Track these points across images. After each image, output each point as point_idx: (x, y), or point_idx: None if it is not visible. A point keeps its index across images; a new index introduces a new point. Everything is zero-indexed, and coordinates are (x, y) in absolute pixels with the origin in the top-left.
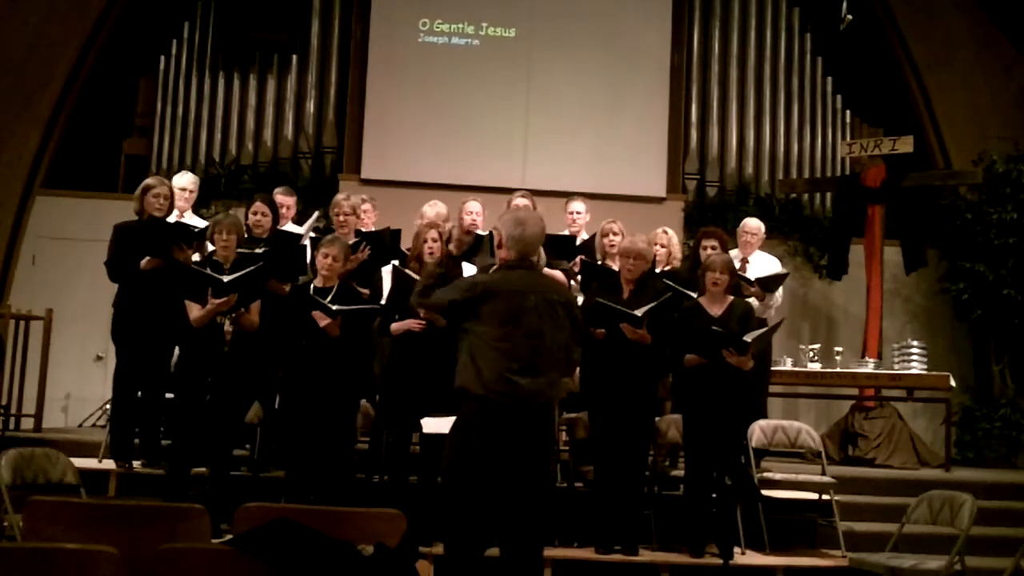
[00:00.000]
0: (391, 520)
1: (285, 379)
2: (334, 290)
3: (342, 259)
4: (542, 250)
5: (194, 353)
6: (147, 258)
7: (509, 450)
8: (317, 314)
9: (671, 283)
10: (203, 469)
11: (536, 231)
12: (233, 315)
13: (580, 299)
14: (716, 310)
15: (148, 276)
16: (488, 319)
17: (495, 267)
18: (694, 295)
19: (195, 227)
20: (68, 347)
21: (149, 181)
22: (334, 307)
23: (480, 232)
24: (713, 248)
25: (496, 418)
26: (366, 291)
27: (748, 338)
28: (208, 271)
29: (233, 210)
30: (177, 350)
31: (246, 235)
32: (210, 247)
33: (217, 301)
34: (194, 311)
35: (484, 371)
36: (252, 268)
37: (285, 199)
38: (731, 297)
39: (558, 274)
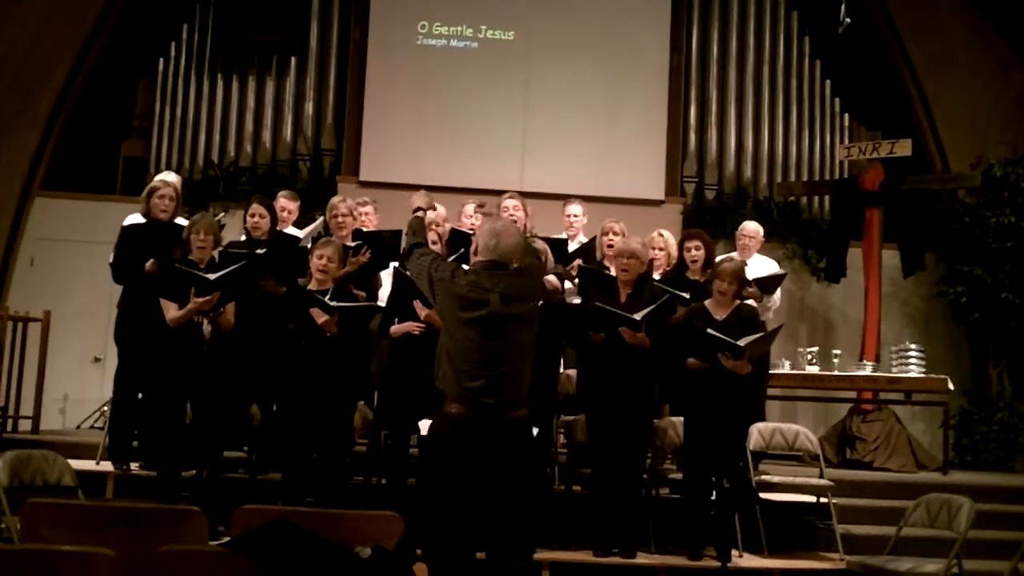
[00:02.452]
0: (389, 522)
1: (281, 380)
2: (329, 293)
3: (337, 261)
4: (550, 253)
5: (173, 354)
6: (151, 260)
7: (481, 463)
8: (315, 311)
9: (665, 287)
10: (194, 472)
11: (512, 243)
12: (212, 314)
13: (576, 302)
14: (721, 314)
15: (151, 278)
16: (448, 316)
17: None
18: (686, 295)
19: None
20: (66, 349)
21: (154, 183)
22: (333, 303)
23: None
24: (697, 248)
25: (465, 432)
26: (362, 293)
27: (743, 343)
28: (185, 268)
29: (231, 211)
30: None
31: (244, 237)
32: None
33: (200, 300)
34: (171, 311)
35: (452, 377)
36: (236, 266)
37: (288, 203)
38: (738, 302)
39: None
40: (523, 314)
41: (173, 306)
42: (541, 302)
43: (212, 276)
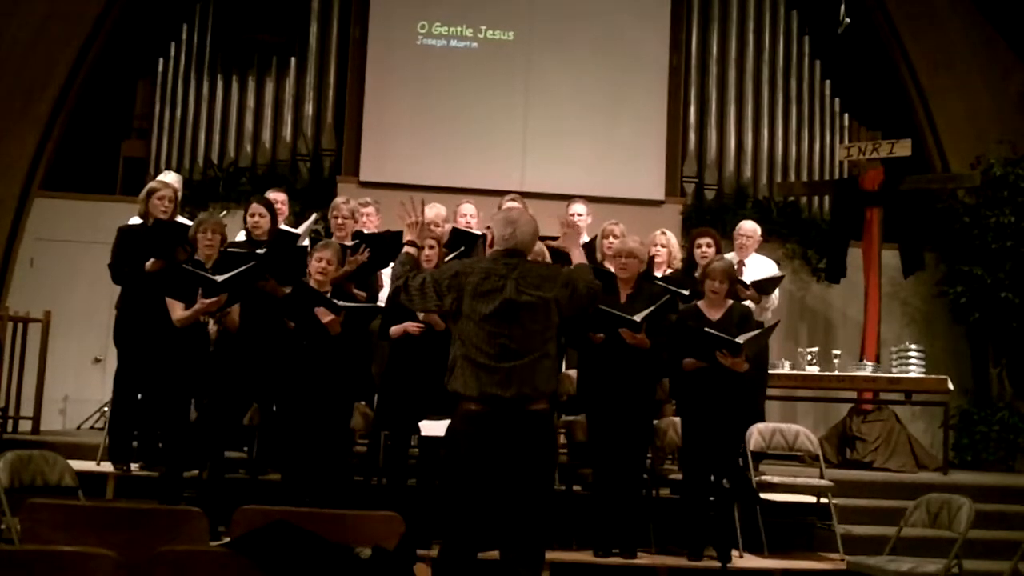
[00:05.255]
0: (389, 523)
1: (282, 380)
2: (327, 295)
3: (336, 263)
4: (546, 251)
5: (178, 354)
6: (151, 260)
7: (500, 457)
8: (321, 310)
9: (666, 284)
10: (196, 472)
11: (528, 231)
12: (218, 315)
13: None
14: (715, 314)
15: (151, 278)
16: (461, 315)
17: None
18: (686, 292)
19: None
20: (66, 349)
21: (153, 184)
22: (339, 303)
23: (476, 232)
24: (708, 246)
25: (483, 426)
26: (362, 294)
27: (741, 339)
28: (193, 269)
29: (231, 211)
30: None
31: (245, 237)
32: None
33: (207, 301)
34: (177, 311)
35: (469, 375)
36: (244, 268)
37: (276, 196)
38: (730, 301)
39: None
40: (538, 302)
41: (180, 306)
42: (560, 295)
43: (220, 278)
